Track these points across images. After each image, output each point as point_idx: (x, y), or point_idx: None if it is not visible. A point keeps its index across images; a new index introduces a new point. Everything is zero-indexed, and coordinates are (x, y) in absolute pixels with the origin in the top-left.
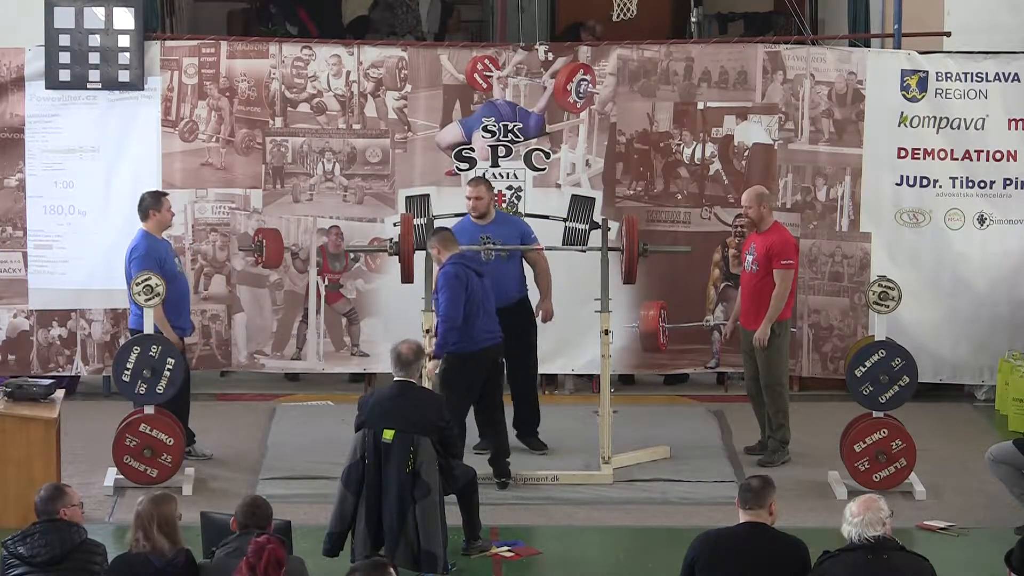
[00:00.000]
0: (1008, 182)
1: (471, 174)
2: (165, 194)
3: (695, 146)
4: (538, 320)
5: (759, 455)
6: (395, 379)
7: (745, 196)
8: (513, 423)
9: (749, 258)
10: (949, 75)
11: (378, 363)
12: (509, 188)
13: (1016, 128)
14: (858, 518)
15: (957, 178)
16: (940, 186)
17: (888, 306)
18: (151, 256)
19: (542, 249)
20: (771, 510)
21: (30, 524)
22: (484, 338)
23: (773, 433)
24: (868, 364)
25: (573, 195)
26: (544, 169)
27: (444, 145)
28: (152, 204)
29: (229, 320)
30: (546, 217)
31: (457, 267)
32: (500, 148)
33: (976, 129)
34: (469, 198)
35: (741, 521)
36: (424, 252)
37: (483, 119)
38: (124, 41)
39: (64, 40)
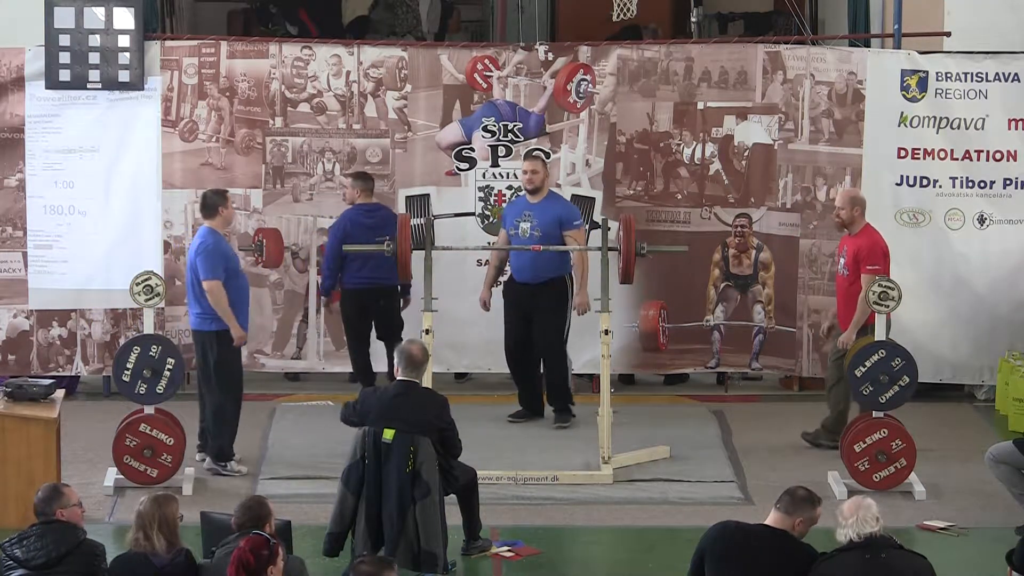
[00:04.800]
0: (1008, 182)
1: (471, 174)
2: (226, 191)
3: (695, 146)
4: (574, 313)
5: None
6: (398, 378)
7: (839, 197)
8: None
9: (841, 261)
10: (949, 75)
11: (378, 362)
12: (509, 188)
13: (1016, 128)
14: (851, 519)
15: (957, 178)
16: (940, 186)
17: (888, 306)
18: (219, 252)
19: (584, 248)
20: (796, 524)
21: (28, 526)
22: (351, 282)
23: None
24: (868, 364)
25: (573, 195)
26: None
27: (444, 145)
28: (220, 201)
29: None
30: None
31: (348, 214)
32: (500, 148)
33: (976, 129)
34: (524, 172)
35: (766, 520)
36: (422, 252)
37: (483, 119)
38: (124, 41)
39: (64, 40)
